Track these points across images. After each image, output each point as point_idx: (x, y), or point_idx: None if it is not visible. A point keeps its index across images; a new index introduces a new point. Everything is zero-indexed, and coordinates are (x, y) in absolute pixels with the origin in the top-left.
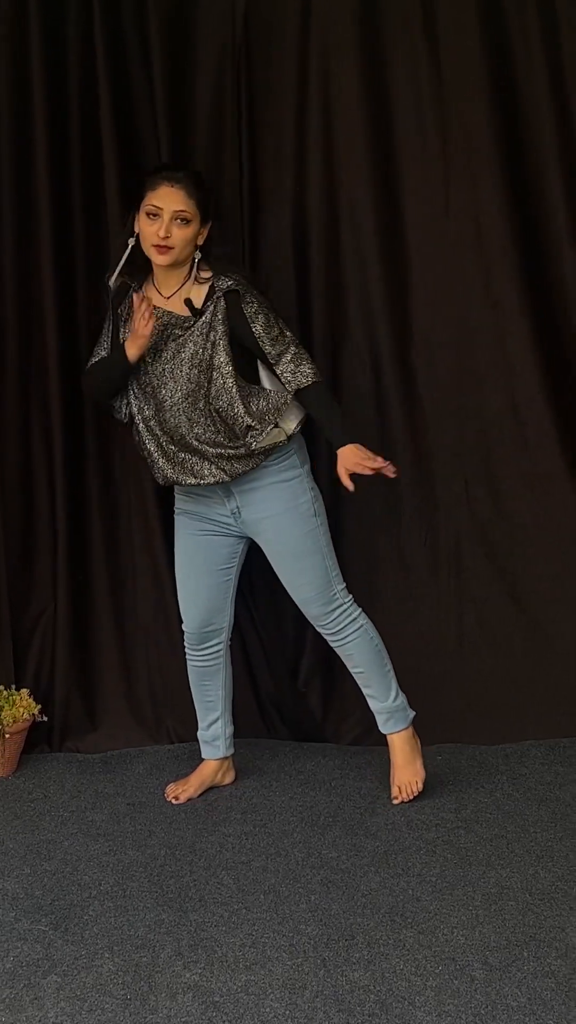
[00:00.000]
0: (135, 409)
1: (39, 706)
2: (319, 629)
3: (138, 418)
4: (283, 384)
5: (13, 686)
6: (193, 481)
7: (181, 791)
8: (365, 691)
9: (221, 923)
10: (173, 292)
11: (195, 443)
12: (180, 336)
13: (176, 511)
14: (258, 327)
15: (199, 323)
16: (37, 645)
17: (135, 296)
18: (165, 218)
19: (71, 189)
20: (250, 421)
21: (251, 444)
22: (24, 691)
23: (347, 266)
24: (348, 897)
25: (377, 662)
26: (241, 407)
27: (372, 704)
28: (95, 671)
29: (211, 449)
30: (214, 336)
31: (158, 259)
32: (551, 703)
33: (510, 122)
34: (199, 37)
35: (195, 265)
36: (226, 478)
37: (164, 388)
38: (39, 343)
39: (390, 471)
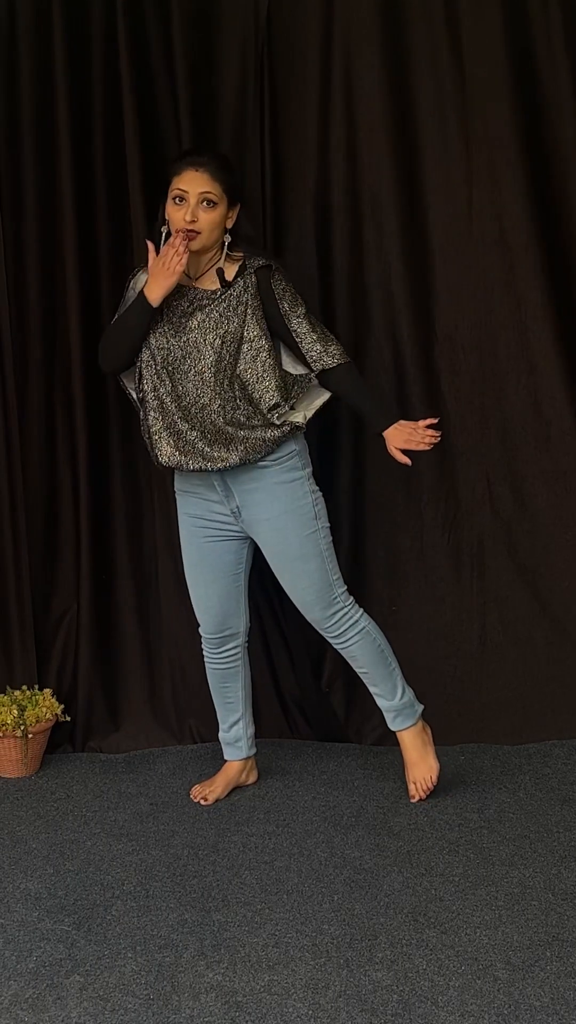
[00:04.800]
0: (149, 386)
1: (62, 706)
2: (322, 632)
3: (151, 396)
4: (309, 364)
5: (36, 686)
6: (199, 465)
7: (208, 792)
8: (372, 690)
9: (244, 923)
10: (204, 272)
11: (216, 419)
12: (208, 306)
13: (180, 515)
14: (285, 304)
15: (229, 294)
16: (60, 645)
17: (175, 234)
18: (191, 202)
19: (94, 189)
20: (277, 398)
21: (272, 419)
22: (47, 691)
23: (370, 266)
24: (371, 897)
25: (381, 662)
26: (272, 381)
27: (380, 703)
28: (118, 671)
29: (229, 428)
30: (244, 309)
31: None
32: (574, 703)
33: (533, 121)
34: (222, 37)
35: (224, 247)
36: (235, 461)
37: (188, 359)
38: (63, 345)
39: (433, 434)
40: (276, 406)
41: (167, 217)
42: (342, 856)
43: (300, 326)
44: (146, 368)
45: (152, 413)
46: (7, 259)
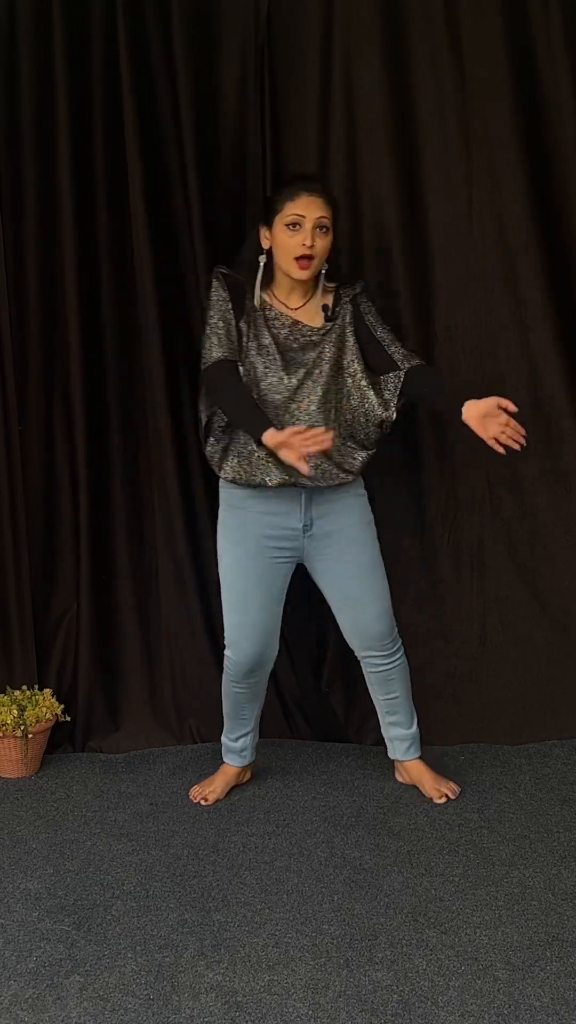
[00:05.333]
0: None
1: (62, 706)
2: (373, 654)
3: None
4: (397, 364)
5: (36, 686)
6: (315, 483)
7: (208, 792)
8: (390, 719)
9: (244, 923)
10: (302, 304)
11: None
12: (319, 343)
13: (238, 536)
14: (371, 318)
15: (333, 327)
16: (60, 645)
17: (325, 432)
18: (307, 227)
19: (94, 189)
20: (381, 411)
21: (383, 433)
22: (47, 691)
23: (370, 266)
24: (371, 897)
25: (409, 686)
26: (373, 397)
27: (395, 732)
28: (118, 671)
29: (338, 452)
30: (342, 341)
31: (299, 273)
32: (574, 703)
33: (532, 121)
34: (222, 37)
35: (323, 275)
36: (350, 477)
37: (301, 392)
38: (63, 345)
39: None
40: (383, 421)
41: (271, 243)
42: (342, 856)
43: (387, 334)
44: (257, 397)
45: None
46: (7, 259)
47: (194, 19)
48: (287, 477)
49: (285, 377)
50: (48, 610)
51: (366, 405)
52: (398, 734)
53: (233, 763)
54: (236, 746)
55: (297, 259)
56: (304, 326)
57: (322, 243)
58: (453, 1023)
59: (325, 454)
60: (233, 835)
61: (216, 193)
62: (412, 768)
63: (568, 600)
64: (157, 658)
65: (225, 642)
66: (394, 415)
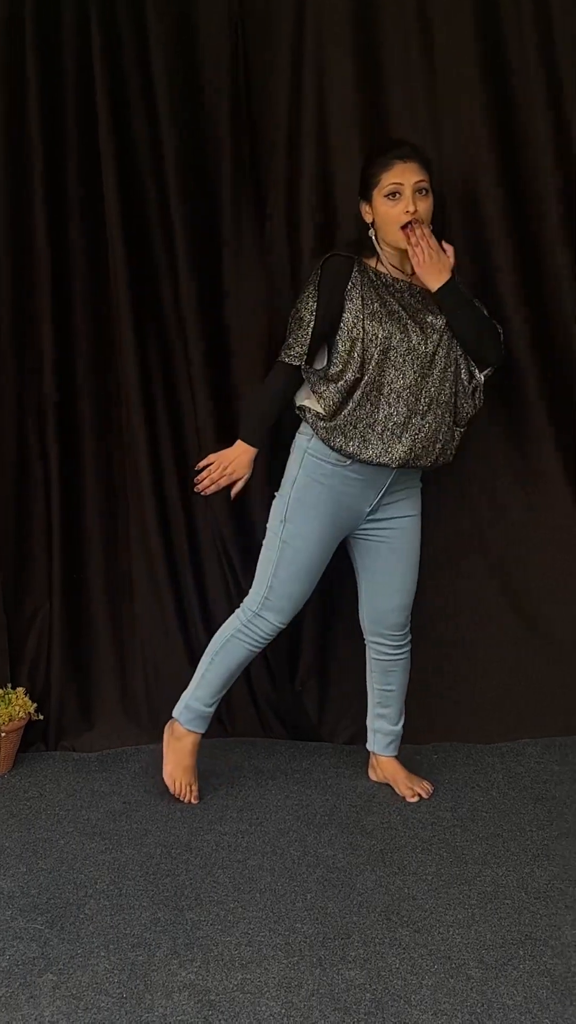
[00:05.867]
0: (389, 378)
1: (35, 704)
2: (382, 641)
3: (387, 389)
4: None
5: (9, 684)
6: (430, 461)
7: (195, 785)
8: (379, 711)
9: (217, 922)
10: (412, 272)
11: (448, 412)
12: (439, 311)
13: (319, 511)
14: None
15: None
16: (33, 643)
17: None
18: (407, 193)
19: (67, 189)
20: (470, 383)
21: (478, 403)
22: (20, 689)
23: None
24: (344, 896)
25: (406, 683)
26: (463, 365)
27: (380, 724)
28: (91, 670)
29: (456, 423)
30: None
31: (406, 242)
32: (547, 701)
33: (504, 116)
34: (197, 35)
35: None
36: (443, 459)
37: (437, 357)
38: (34, 343)
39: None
40: (477, 387)
41: (373, 216)
42: (315, 855)
43: (472, 296)
44: (390, 364)
45: (387, 407)
46: None
47: (168, 15)
48: (410, 453)
49: (422, 343)
50: (21, 609)
51: (461, 374)
52: (383, 727)
53: (200, 729)
54: (210, 711)
55: (403, 227)
56: (420, 290)
57: (424, 206)
58: (426, 1022)
59: (439, 434)
60: (206, 834)
61: (193, 194)
62: (387, 765)
63: (540, 600)
64: (130, 657)
65: (260, 605)
66: (482, 378)
